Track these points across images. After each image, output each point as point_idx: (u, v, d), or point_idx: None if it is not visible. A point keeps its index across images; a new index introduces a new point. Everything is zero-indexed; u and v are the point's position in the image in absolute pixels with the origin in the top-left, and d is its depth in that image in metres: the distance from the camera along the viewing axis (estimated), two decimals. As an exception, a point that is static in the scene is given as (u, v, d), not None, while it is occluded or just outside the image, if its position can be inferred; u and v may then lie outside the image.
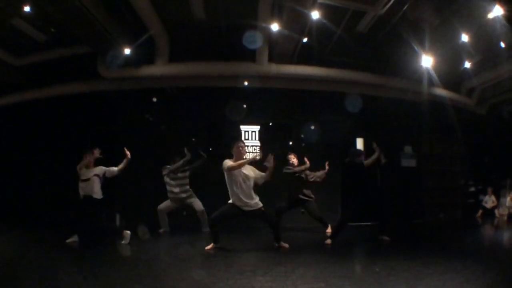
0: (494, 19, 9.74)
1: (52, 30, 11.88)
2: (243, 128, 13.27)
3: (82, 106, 13.04)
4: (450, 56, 12.28)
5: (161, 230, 11.15)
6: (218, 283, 5.82)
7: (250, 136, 13.31)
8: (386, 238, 9.93)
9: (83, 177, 9.20)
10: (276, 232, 8.94)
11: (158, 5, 10.62)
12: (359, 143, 13.99)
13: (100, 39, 10.93)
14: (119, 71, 12.32)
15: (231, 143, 8.85)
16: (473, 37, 10.88)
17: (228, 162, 8.49)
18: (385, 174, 13.12)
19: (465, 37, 10.84)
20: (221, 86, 12.90)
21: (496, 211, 16.15)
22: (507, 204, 16.00)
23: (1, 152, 13.48)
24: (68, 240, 9.14)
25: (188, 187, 11.23)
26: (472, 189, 16.99)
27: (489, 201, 16.30)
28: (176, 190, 11.10)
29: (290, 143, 12.48)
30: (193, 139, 12.50)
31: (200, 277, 6.15)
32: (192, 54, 12.44)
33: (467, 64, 13.16)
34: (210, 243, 8.68)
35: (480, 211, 16.21)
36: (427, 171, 15.25)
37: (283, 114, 13.46)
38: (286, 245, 8.91)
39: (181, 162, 11.04)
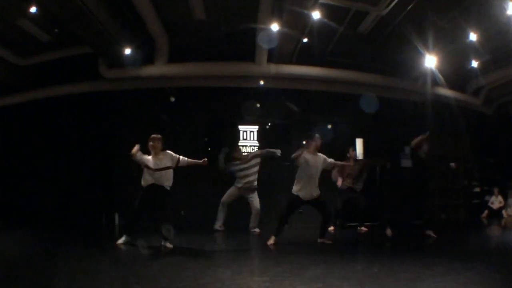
0: (505, 18, 9.65)
1: (56, 30, 11.91)
2: (241, 128, 13.19)
3: (83, 106, 13.06)
4: (456, 56, 12.23)
5: (218, 226, 11.17)
6: (215, 284, 5.77)
7: (249, 136, 13.23)
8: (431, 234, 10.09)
9: (155, 166, 8.66)
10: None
11: (159, 5, 10.61)
12: (359, 144, 13.94)
13: (101, 40, 10.94)
14: (119, 71, 12.41)
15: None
16: (481, 36, 10.80)
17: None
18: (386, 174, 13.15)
19: (472, 37, 10.77)
20: (221, 86, 12.96)
21: (503, 212, 16.01)
22: (514, 205, 15.90)
23: (4, 151, 13.51)
24: (120, 242, 8.79)
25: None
26: (477, 189, 16.85)
27: (495, 201, 16.15)
28: (251, 178, 11.17)
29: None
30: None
31: (197, 277, 6.10)
32: (191, 55, 12.51)
33: (474, 64, 13.07)
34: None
35: (486, 212, 16.07)
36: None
37: (282, 114, 13.40)
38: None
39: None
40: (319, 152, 9.29)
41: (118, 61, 11.86)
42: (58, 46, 12.71)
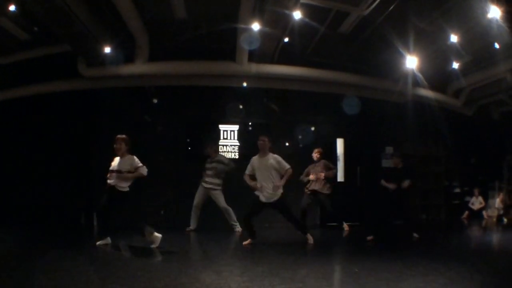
0: (486, 20, 9.70)
1: (35, 28, 11.80)
2: (222, 127, 13.12)
3: (62, 105, 12.93)
4: (437, 57, 12.28)
5: (189, 229, 11.10)
6: (195, 283, 5.71)
7: (229, 135, 13.17)
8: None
9: (112, 167, 8.63)
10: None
11: (139, 3, 10.53)
12: (339, 144, 13.97)
13: (81, 38, 10.85)
14: (99, 70, 12.27)
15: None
16: (463, 38, 10.85)
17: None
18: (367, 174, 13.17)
19: (454, 38, 10.81)
20: (201, 85, 12.90)
21: (484, 213, 16.10)
22: (496, 206, 15.96)
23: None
24: (100, 243, 8.69)
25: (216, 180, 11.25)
26: (457, 190, 16.95)
27: (476, 202, 16.23)
28: (207, 179, 11.17)
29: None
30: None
31: (177, 277, 6.05)
32: (172, 53, 12.43)
33: (455, 65, 13.14)
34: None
35: (466, 213, 16.15)
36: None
37: (263, 114, 13.40)
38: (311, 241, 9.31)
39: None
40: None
41: (98, 59, 11.75)
42: (37, 44, 12.59)
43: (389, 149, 14.61)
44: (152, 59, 12.33)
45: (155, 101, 12.87)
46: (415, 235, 10.35)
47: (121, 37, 11.34)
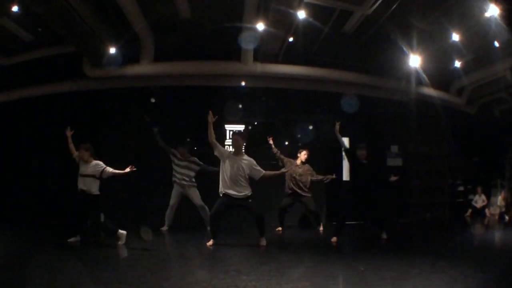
0: (486, 19, 9.74)
1: (39, 29, 11.83)
2: (227, 127, 13.10)
3: (67, 105, 12.94)
4: (439, 56, 12.30)
5: (164, 228, 11.06)
6: (201, 283, 5.74)
7: (235, 135, 13.11)
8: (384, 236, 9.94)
9: (80, 172, 9.08)
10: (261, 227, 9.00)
11: (144, 4, 10.54)
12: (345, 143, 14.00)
13: (85, 39, 10.88)
14: (104, 71, 12.28)
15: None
16: (464, 36, 10.89)
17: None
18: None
19: (455, 37, 10.85)
20: (206, 85, 12.89)
21: (486, 211, 16.12)
22: (498, 204, 15.99)
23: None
24: (71, 240, 8.91)
25: (192, 177, 11.24)
26: (461, 188, 16.99)
27: (479, 200, 16.25)
28: (178, 176, 11.14)
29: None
30: (188, 139, 12.53)
31: (184, 276, 6.10)
32: (177, 53, 12.44)
33: (457, 64, 13.17)
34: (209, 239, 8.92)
35: (470, 211, 16.17)
36: (413, 170, 15.21)
37: (268, 113, 13.36)
38: (264, 243, 8.92)
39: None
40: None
41: (103, 60, 11.76)
42: (42, 45, 12.62)
43: (394, 148, 14.66)
44: (157, 59, 12.35)
45: (160, 101, 12.87)
46: (384, 236, 10.16)
47: (126, 37, 11.34)
